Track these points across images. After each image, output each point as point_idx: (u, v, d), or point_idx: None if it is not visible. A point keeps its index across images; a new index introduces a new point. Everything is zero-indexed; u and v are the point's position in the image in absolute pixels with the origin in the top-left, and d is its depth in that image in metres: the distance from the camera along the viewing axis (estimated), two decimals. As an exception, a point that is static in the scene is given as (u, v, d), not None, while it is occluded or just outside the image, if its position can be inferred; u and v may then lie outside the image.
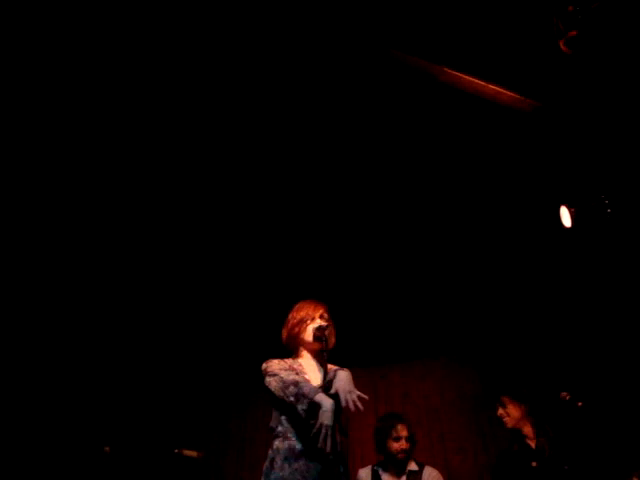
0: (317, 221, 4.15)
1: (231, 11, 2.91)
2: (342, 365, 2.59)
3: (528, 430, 3.38)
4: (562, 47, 2.70)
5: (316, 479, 2.25)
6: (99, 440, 4.19)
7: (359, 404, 2.16)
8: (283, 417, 2.40)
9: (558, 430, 3.30)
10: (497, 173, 3.78)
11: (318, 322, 2.57)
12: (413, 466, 3.49)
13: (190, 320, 4.84)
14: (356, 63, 3.16)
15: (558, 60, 2.88)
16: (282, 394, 2.35)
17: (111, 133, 3.48)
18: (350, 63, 3.16)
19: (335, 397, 2.20)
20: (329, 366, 2.52)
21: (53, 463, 4.23)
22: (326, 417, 2.15)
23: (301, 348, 2.61)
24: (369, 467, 3.61)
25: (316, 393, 2.25)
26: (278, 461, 2.30)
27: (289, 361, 2.55)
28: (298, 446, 2.31)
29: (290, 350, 2.66)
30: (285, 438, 2.35)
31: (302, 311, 2.64)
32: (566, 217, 3.38)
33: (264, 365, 2.51)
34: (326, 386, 2.31)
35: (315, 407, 2.21)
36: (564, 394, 3.10)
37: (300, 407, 2.26)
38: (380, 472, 3.51)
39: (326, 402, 2.19)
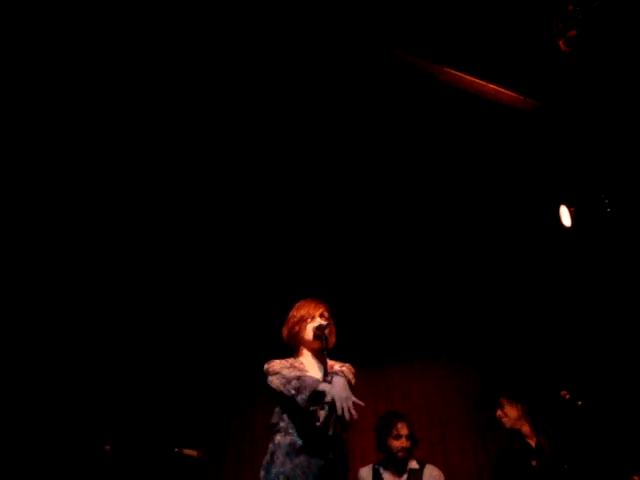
0: (318, 221, 4.15)
1: (231, 11, 2.91)
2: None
3: (526, 429, 3.39)
4: (562, 47, 2.71)
5: (317, 475, 2.25)
6: (99, 439, 4.19)
7: (354, 412, 2.16)
8: (285, 414, 2.41)
9: (558, 429, 3.31)
10: (497, 173, 3.78)
11: (318, 321, 2.57)
12: (414, 464, 3.48)
13: (190, 320, 4.84)
14: (356, 63, 3.16)
15: (558, 60, 2.89)
16: (283, 390, 2.35)
17: (111, 133, 3.48)
18: (350, 63, 3.16)
19: (331, 405, 2.20)
20: (330, 363, 2.53)
21: (53, 462, 4.24)
22: (337, 392, 2.17)
23: (301, 347, 2.61)
24: (370, 466, 3.60)
25: (318, 383, 2.26)
26: (279, 456, 2.30)
27: (290, 360, 2.55)
28: (299, 442, 2.31)
29: (291, 349, 2.67)
30: (287, 433, 2.35)
31: (302, 310, 2.64)
32: (566, 216, 3.39)
33: (266, 365, 2.52)
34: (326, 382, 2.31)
35: (317, 396, 2.22)
36: (564, 393, 3.11)
37: (300, 397, 2.26)
38: (381, 471, 3.51)
39: (331, 386, 2.21)
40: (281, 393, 2.37)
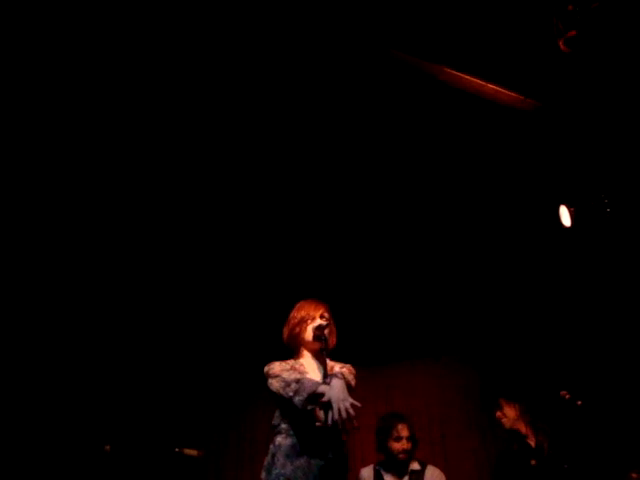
0: (318, 221, 4.15)
1: (232, 11, 2.91)
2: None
3: (525, 429, 3.40)
4: (562, 47, 2.71)
5: (317, 476, 2.25)
6: (99, 439, 4.18)
7: (351, 411, 2.16)
8: (286, 416, 2.41)
9: (557, 429, 3.31)
10: (497, 173, 3.78)
11: (318, 321, 2.56)
12: (415, 465, 3.48)
13: (190, 320, 4.84)
14: (356, 63, 3.16)
15: (558, 60, 2.89)
16: (283, 392, 2.36)
17: (111, 133, 3.48)
18: (350, 63, 3.16)
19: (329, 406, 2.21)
20: (331, 364, 2.53)
21: (53, 462, 4.23)
22: (335, 393, 2.17)
23: (302, 348, 2.61)
24: (371, 466, 3.60)
25: (317, 385, 2.26)
26: (280, 457, 2.31)
27: (291, 362, 2.55)
28: (300, 443, 2.32)
29: (291, 350, 2.67)
30: (287, 435, 2.36)
31: (302, 311, 2.64)
32: (566, 216, 3.39)
33: (266, 368, 2.52)
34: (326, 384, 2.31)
35: (314, 397, 2.22)
36: (564, 393, 3.11)
37: (297, 398, 2.27)
38: (382, 472, 3.50)
39: (330, 388, 2.21)
40: (281, 396, 2.38)
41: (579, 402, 3.03)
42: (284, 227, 4.18)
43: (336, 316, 2.72)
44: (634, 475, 3.13)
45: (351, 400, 2.20)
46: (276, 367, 2.49)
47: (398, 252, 4.44)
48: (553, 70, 3.02)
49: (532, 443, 3.34)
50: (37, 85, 3.13)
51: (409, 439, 3.46)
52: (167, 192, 3.91)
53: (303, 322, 2.59)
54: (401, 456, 3.43)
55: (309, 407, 2.26)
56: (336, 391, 2.21)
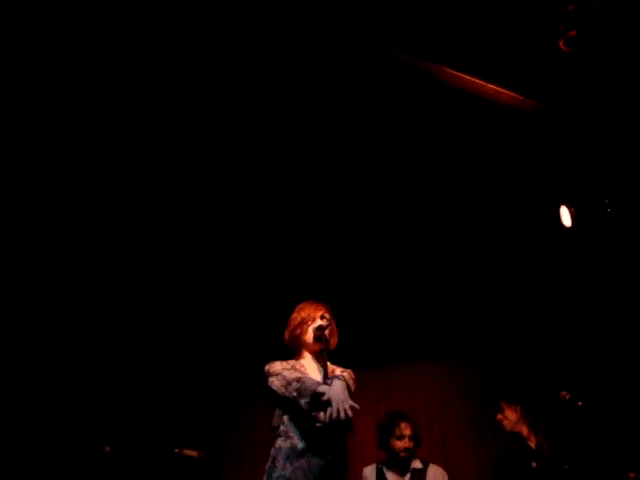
0: (318, 221, 4.15)
1: (231, 11, 2.91)
2: (344, 365, 2.60)
3: (526, 431, 3.40)
4: (562, 47, 2.71)
5: (317, 476, 2.26)
6: (99, 440, 4.19)
7: (350, 412, 2.17)
8: (285, 416, 2.41)
9: (558, 430, 3.31)
10: (497, 173, 3.78)
11: (319, 322, 2.56)
12: (417, 464, 3.48)
13: (190, 320, 4.84)
14: (356, 63, 3.16)
15: (558, 60, 2.89)
16: (284, 391, 2.36)
17: (111, 133, 3.48)
18: (350, 63, 3.16)
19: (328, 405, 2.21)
20: (332, 367, 2.54)
21: (53, 463, 4.23)
22: (335, 394, 2.18)
23: (303, 349, 2.61)
24: (373, 465, 3.60)
25: (318, 385, 2.27)
26: (280, 460, 2.31)
27: (292, 362, 2.56)
28: (300, 445, 2.32)
29: (293, 351, 2.67)
30: (287, 437, 2.36)
31: (303, 312, 2.64)
32: (566, 217, 3.39)
33: (267, 367, 2.52)
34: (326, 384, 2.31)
35: (317, 398, 2.23)
36: (564, 394, 3.11)
37: (303, 401, 2.28)
38: (384, 470, 3.51)
39: (330, 388, 2.23)
40: (282, 395, 2.38)
41: (580, 403, 3.02)
42: (285, 228, 4.18)
43: (336, 317, 2.72)
44: (632, 474, 3.13)
45: (351, 402, 2.21)
46: (277, 366, 2.50)
47: (399, 253, 4.44)
48: (553, 70, 3.02)
49: (532, 445, 3.34)
50: (37, 85, 3.13)
51: (411, 438, 3.47)
52: (167, 193, 3.91)
53: (304, 323, 2.60)
54: (403, 454, 3.43)
55: (313, 413, 2.27)
56: (336, 391, 2.22)
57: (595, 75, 2.98)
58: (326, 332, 2.49)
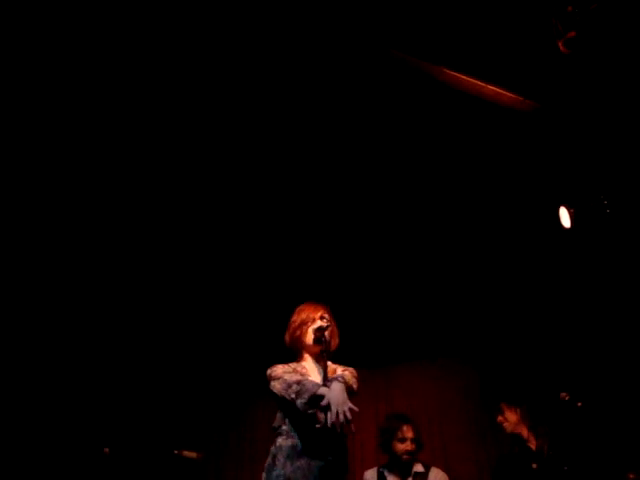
0: (319, 222, 4.15)
1: (231, 11, 2.91)
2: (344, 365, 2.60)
3: (527, 433, 3.39)
4: (561, 48, 2.71)
5: (317, 476, 2.27)
6: (99, 441, 4.18)
7: (349, 415, 2.17)
8: (287, 418, 2.42)
9: (558, 430, 3.31)
10: (496, 174, 3.78)
11: (318, 323, 2.56)
12: (419, 467, 3.47)
13: (190, 321, 4.84)
14: (356, 64, 3.16)
15: (557, 61, 2.89)
16: (285, 394, 2.37)
17: (111, 134, 3.48)
18: (350, 63, 3.16)
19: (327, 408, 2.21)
20: (334, 366, 2.54)
21: (53, 464, 4.23)
22: (334, 396, 2.18)
23: (304, 351, 2.62)
24: (375, 469, 3.59)
25: (318, 387, 2.27)
26: (280, 458, 2.32)
27: (293, 365, 2.56)
28: (300, 445, 2.33)
29: (294, 353, 2.67)
30: (288, 436, 2.37)
31: (303, 314, 2.64)
32: (565, 217, 3.39)
33: (268, 371, 2.53)
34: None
35: (316, 400, 2.23)
36: (564, 394, 3.11)
37: (300, 401, 2.29)
38: (386, 473, 3.50)
39: (329, 390, 2.23)
40: (283, 398, 2.39)
41: (579, 403, 3.02)
42: (286, 228, 4.18)
43: (336, 318, 2.72)
44: (631, 476, 3.13)
45: (350, 405, 2.21)
46: (278, 369, 2.50)
47: (399, 254, 4.44)
48: (552, 71, 3.02)
49: (533, 446, 3.34)
50: (37, 85, 3.13)
51: (413, 441, 3.46)
52: (168, 194, 3.91)
53: (304, 325, 2.60)
54: (405, 457, 3.42)
55: (310, 411, 2.28)
56: (335, 394, 2.22)
57: (594, 76, 2.98)
58: (326, 333, 2.49)
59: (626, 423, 3.76)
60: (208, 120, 3.48)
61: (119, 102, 3.30)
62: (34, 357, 4.44)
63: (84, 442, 4.39)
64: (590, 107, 3.16)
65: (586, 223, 3.35)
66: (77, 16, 2.84)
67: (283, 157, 3.73)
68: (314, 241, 4.28)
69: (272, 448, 2.40)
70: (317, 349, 2.53)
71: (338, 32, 3.00)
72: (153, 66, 3.14)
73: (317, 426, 2.27)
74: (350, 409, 2.19)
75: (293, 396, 2.32)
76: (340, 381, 2.29)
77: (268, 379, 2.50)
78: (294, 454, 2.31)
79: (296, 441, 2.34)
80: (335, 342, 2.64)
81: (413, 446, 3.44)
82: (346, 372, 2.48)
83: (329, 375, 2.40)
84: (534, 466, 3.25)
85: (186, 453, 3.76)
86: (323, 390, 2.25)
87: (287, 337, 2.67)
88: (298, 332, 2.60)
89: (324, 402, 2.19)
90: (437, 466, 3.68)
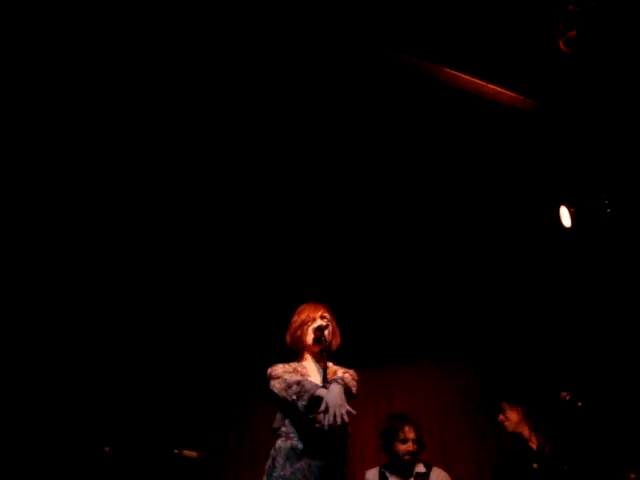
0: (319, 222, 4.15)
1: (232, 11, 2.91)
2: (344, 365, 2.60)
3: (528, 432, 3.39)
4: (562, 47, 2.71)
5: (317, 476, 2.27)
6: (99, 440, 4.18)
7: (346, 418, 2.17)
8: (287, 419, 2.42)
9: (558, 430, 3.31)
10: (497, 173, 3.78)
11: (318, 322, 2.57)
12: (421, 468, 3.46)
13: (190, 321, 4.84)
14: (356, 63, 3.16)
15: (558, 60, 2.88)
16: (285, 394, 2.37)
17: (111, 134, 3.48)
18: (350, 63, 3.16)
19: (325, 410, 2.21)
20: (334, 368, 2.54)
21: (53, 463, 4.23)
22: (332, 398, 2.18)
23: (304, 351, 2.62)
24: (376, 469, 3.58)
25: (317, 388, 2.28)
26: (280, 460, 2.32)
27: (294, 364, 2.56)
28: (300, 446, 2.33)
29: (295, 353, 2.67)
30: (287, 438, 2.37)
31: (303, 314, 2.65)
32: (566, 217, 3.38)
33: (269, 370, 2.53)
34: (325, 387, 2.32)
35: (316, 402, 2.24)
36: (564, 394, 3.11)
37: (300, 403, 2.29)
38: (387, 474, 3.49)
39: (328, 392, 2.23)
40: (283, 398, 2.39)
41: (579, 403, 3.02)
42: (287, 229, 4.18)
43: (338, 317, 2.72)
44: (632, 476, 3.13)
45: (347, 407, 2.21)
46: (279, 369, 2.50)
47: (399, 253, 4.43)
48: (553, 70, 3.02)
49: (534, 446, 3.34)
50: (37, 85, 3.13)
51: (415, 441, 3.44)
52: (168, 194, 3.91)
53: (304, 324, 2.60)
54: (406, 458, 3.41)
55: (310, 416, 2.28)
56: (333, 396, 2.22)
57: (595, 75, 2.98)
58: (326, 332, 2.49)
59: (626, 423, 3.76)
60: (209, 120, 3.48)
61: (119, 102, 3.30)
62: (35, 357, 4.44)
63: (85, 441, 4.40)
64: (591, 106, 3.16)
65: (587, 222, 3.34)
66: (77, 16, 2.83)
67: (283, 157, 3.73)
68: (315, 241, 4.28)
69: (272, 451, 2.40)
70: (317, 349, 2.53)
71: (338, 31, 3.00)
72: (154, 66, 3.13)
73: (317, 426, 2.27)
74: (347, 412, 2.19)
75: (294, 397, 2.32)
76: (339, 383, 2.29)
77: (268, 378, 2.50)
78: (293, 456, 2.31)
79: (295, 442, 2.34)
80: (336, 342, 2.64)
81: (415, 447, 3.44)
82: (347, 374, 2.49)
83: (330, 376, 2.40)
84: (535, 466, 3.24)
85: (186, 452, 3.76)
86: (321, 392, 2.25)
87: (288, 337, 2.68)
88: (298, 332, 2.60)
89: (322, 406, 2.19)
90: (438, 466, 3.68)
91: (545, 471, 3.19)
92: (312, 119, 3.48)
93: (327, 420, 2.15)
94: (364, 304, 4.64)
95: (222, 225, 4.15)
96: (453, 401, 4.92)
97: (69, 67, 3.07)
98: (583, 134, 3.34)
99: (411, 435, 3.45)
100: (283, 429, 2.41)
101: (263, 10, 2.91)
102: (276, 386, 2.43)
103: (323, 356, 2.44)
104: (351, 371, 2.55)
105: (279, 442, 2.38)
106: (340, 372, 2.49)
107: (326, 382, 2.31)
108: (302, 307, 2.70)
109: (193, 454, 3.79)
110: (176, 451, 3.73)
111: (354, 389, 2.45)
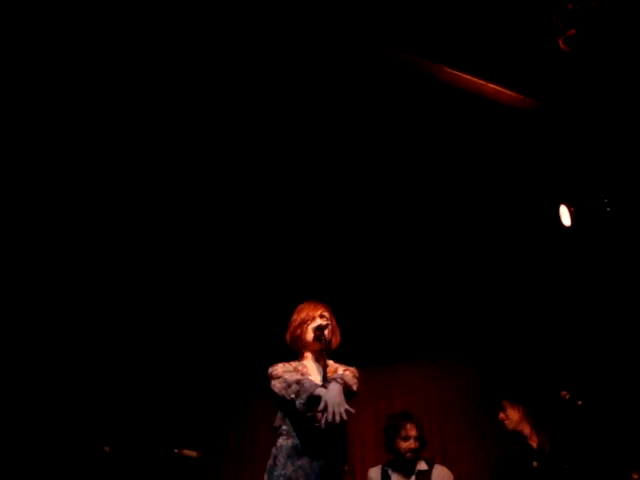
0: (319, 221, 4.15)
1: (233, 11, 2.91)
2: (345, 364, 2.60)
3: (528, 431, 3.39)
4: (561, 46, 2.71)
5: (318, 476, 2.27)
6: (99, 440, 4.18)
7: (344, 416, 2.17)
8: (287, 418, 2.43)
9: (558, 429, 3.31)
10: (497, 172, 3.78)
11: (318, 321, 2.57)
12: (423, 466, 3.47)
13: (190, 320, 4.84)
14: (356, 62, 3.16)
15: (557, 59, 2.89)
16: (284, 393, 2.38)
17: (111, 134, 3.48)
18: (350, 62, 3.16)
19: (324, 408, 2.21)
20: (335, 365, 2.55)
21: (53, 463, 4.23)
22: (331, 397, 2.19)
23: (304, 350, 2.62)
24: (379, 467, 3.59)
25: (316, 387, 2.28)
26: (281, 459, 2.33)
27: (294, 364, 2.57)
28: (301, 444, 2.34)
29: (295, 352, 2.67)
30: (288, 436, 2.38)
31: (302, 313, 2.65)
32: (566, 216, 3.39)
33: (270, 369, 2.54)
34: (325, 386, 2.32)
35: (314, 401, 2.24)
36: (564, 393, 3.11)
37: (299, 402, 2.30)
38: (390, 472, 3.50)
39: (327, 391, 2.23)
40: (283, 397, 2.39)
41: (579, 402, 3.02)
42: (287, 228, 4.18)
43: (338, 316, 2.72)
44: (635, 476, 3.13)
45: (346, 406, 2.21)
46: (279, 368, 2.51)
47: (398, 252, 4.44)
48: (553, 69, 3.02)
49: (534, 444, 3.34)
50: (37, 85, 3.13)
51: (417, 439, 3.45)
52: (168, 194, 3.91)
53: (303, 323, 2.61)
54: (408, 455, 3.42)
55: (309, 414, 2.29)
56: (332, 395, 2.22)
57: (595, 74, 2.98)
58: (325, 331, 2.49)
59: (626, 422, 3.76)
60: (209, 120, 3.48)
61: (119, 102, 3.30)
62: (35, 356, 4.44)
63: (84, 441, 4.39)
64: (591, 105, 3.16)
65: (586, 221, 3.35)
66: (77, 16, 2.83)
67: (283, 156, 3.73)
68: (315, 240, 4.28)
69: (273, 449, 2.41)
70: (317, 347, 2.54)
71: (338, 31, 3.00)
72: (155, 66, 3.14)
73: (316, 424, 2.27)
74: (346, 410, 2.19)
75: (293, 396, 2.33)
76: (339, 382, 2.29)
77: (269, 378, 2.51)
78: (295, 454, 2.32)
79: (296, 441, 2.35)
80: (336, 340, 2.64)
81: (417, 444, 3.44)
82: (347, 372, 2.49)
83: (330, 374, 2.41)
84: (535, 464, 3.25)
85: (186, 452, 3.75)
86: (320, 391, 2.25)
87: (288, 336, 2.68)
88: (298, 331, 2.61)
89: (322, 404, 2.20)
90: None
91: (545, 470, 3.19)
92: (312, 118, 3.49)
93: (325, 419, 2.16)
94: (364, 303, 4.64)
95: (222, 224, 4.15)
96: (453, 401, 4.91)
97: (69, 67, 3.07)
98: (583, 133, 3.34)
99: (413, 433, 3.45)
100: (284, 428, 2.41)
101: (264, 10, 2.91)
102: (276, 386, 2.44)
103: (323, 355, 2.44)
104: (352, 369, 2.55)
105: (280, 441, 2.39)
106: (341, 370, 2.50)
107: (326, 381, 2.31)
108: (301, 306, 2.70)
109: (193, 454, 3.78)
110: (176, 451, 3.72)
111: (355, 387, 2.45)
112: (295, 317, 2.67)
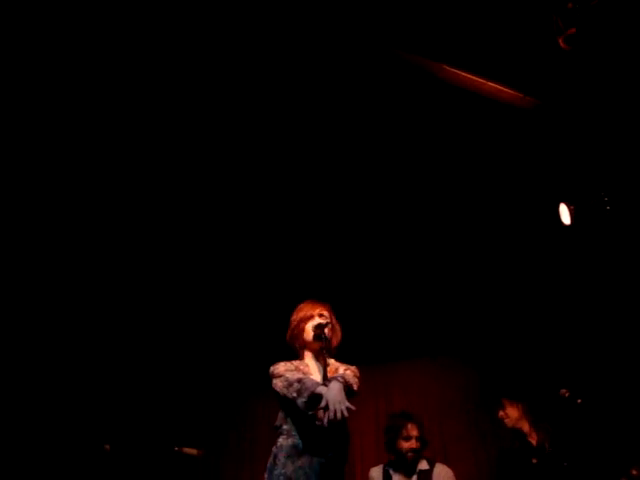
0: (319, 220, 4.15)
1: (233, 11, 2.91)
2: (345, 363, 2.60)
3: (528, 428, 3.40)
4: (561, 44, 2.71)
5: (318, 475, 2.27)
6: (99, 438, 4.19)
7: (345, 414, 2.17)
8: (288, 417, 2.43)
9: (558, 427, 3.32)
10: (496, 170, 3.78)
11: (317, 320, 2.57)
12: (424, 465, 3.46)
13: (190, 319, 4.84)
14: (357, 61, 3.16)
15: (557, 57, 2.89)
16: (286, 392, 2.38)
17: (111, 134, 3.48)
18: (351, 61, 3.16)
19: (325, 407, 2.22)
20: (336, 364, 2.55)
21: (53, 462, 4.23)
22: (331, 395, 2.19)
23: (305, 348, 2.63)
24: (380, 466, 3.59)
25: (317, 386, 2.28)
26: (281, 458, 2.34)
27: (295, 362, 2.57)
28: (301, 444, 2.34)
29: (295, 351, 2.68)
30: (289, 436, 2.38)
31: (302, 312, 2.66)
32: (565, 214, 3.39)
33: (271, 368, 2.54)
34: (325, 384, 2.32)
35: (315, 399, 2.24)
36: (564, 391, 3.11)
37: (300, 400, 2.30)
38: (391, 472, 3.49)
39: (327, 389, 2.23)
40: (284, 396, 2.40)
41: (579, 400, 3.03)
42: (287, 227, 4.18)
43: (338, 315, 2.72)
44: (634, 472, 3.14)
45: (347, 404, 2.21)
46: (281, 367, 2.51)
47: (398, 251, 4.44)
48: (553, 68, 3.02)
49: (534, 442, 3.35)
50: (37, 85, 3.13)
51: (418, 439, 3.45)
52: (168, 193, 3.91)
53: (303, 322, 2.61)
54: (410, 455, 3.42)
55: (310, 412, 2.29)
56: (333, 393, 2.22)
57: (594, 72, 2.98)
58: (325, 330, 2.50)
59: (626, 420, 3.77)
60: (210, 120, 3.48)
61: (119, 103, 3.30)
62: (35, 355, 4.44)
63: (85, 439, 4.40)
64: (590, 104, 3.16)
65: (586, 220, 3.35)
66: (77, 16, 2.83)
67: (283, 155, 3.73)
68: (315, 239, 4.28)
69: (273, 448, 2.42)
70: (317, 346, 2.54)
71: (338, 29, 3.00)
72: (155, 66, 3.14)
73: (317, 423, 2.28)
74: (347, 408, 2.19)
75: (294, 395, 2.33)
76: (339, 381, 2.30)
77: (270, 376, 2.51)
78: (295, 453, 2.32)
79: (297, 440, 2.35)
80: (336, 339, 2.65)
81: (418, 444, 3.44)
82: (348, 371, 2.49)
83: (331, 374, 2.41)
84: (534, 461, 3.26)
85: (186, 450, 3.77)
86: (321, 389, 2.26)
87: (288, 335, 2.69)
88: (298, 330, 2.61)
89: (322, 403, 2.20)
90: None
91: (545, 467, 3.20)
92: (312, 117, 3.49)
93: (327, 417, 2.16)
94: (365, 302, 4.64)
95: (222, 224, 4.15)
96: (453, 400, 4.91)
97: (69, 67, 3.07)
98: (583, 132, 3.34)
99: (414, 432, 3.45)
100: (285, 427, 2.42)
101: (266, 9, 2.91)
102: (278, 384, 2.44)
103: (323, 353, 2.45)
104: (352, 368, 2.55)
105: (280, 440, 2.39)
106: (341, 369, 2.50)
107: (326, 380, 2.31)
108: (301, 305, 2.71)
109: (193, 452, 3.79)
110: (176, 449, 3.73)
111: (355, 386, 2.46)
112: (295, 316, 2.67)
